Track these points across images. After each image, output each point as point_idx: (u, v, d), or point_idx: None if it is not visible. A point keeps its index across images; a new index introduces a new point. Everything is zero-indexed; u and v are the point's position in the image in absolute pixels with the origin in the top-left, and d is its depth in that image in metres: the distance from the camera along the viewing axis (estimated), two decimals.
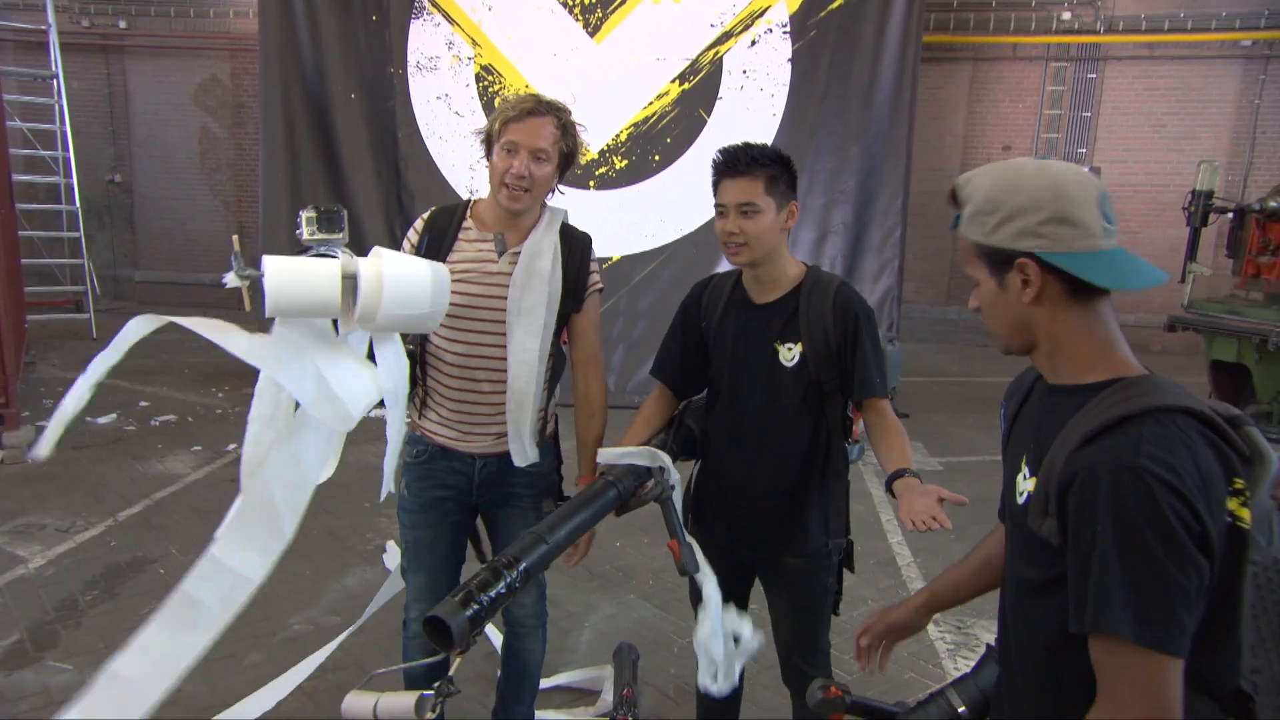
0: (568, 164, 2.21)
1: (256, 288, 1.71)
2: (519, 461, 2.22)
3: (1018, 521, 1.24)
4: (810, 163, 6.93)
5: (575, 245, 2.26)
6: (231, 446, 5.83)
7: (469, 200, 2.32)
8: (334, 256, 1.76)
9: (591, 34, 7.01)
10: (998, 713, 1.39)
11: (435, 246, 2.23)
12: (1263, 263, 6.80)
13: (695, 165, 7.04)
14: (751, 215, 2.00)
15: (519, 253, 2.19)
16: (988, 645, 1.48)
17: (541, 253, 2.18)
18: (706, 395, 2.26)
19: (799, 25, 6.90)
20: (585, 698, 3.07)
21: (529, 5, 6.97)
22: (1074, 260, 1.17)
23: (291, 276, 1.64)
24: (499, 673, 2.61)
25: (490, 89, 6.98)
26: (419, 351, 2.26)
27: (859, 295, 2.10)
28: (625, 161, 7.06)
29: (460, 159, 6.92)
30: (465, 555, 2.40)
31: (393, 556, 2.85)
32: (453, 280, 2.09)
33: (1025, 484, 1.23)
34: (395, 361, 1.82)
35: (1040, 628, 1.23)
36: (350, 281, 1.69)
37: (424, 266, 1.79)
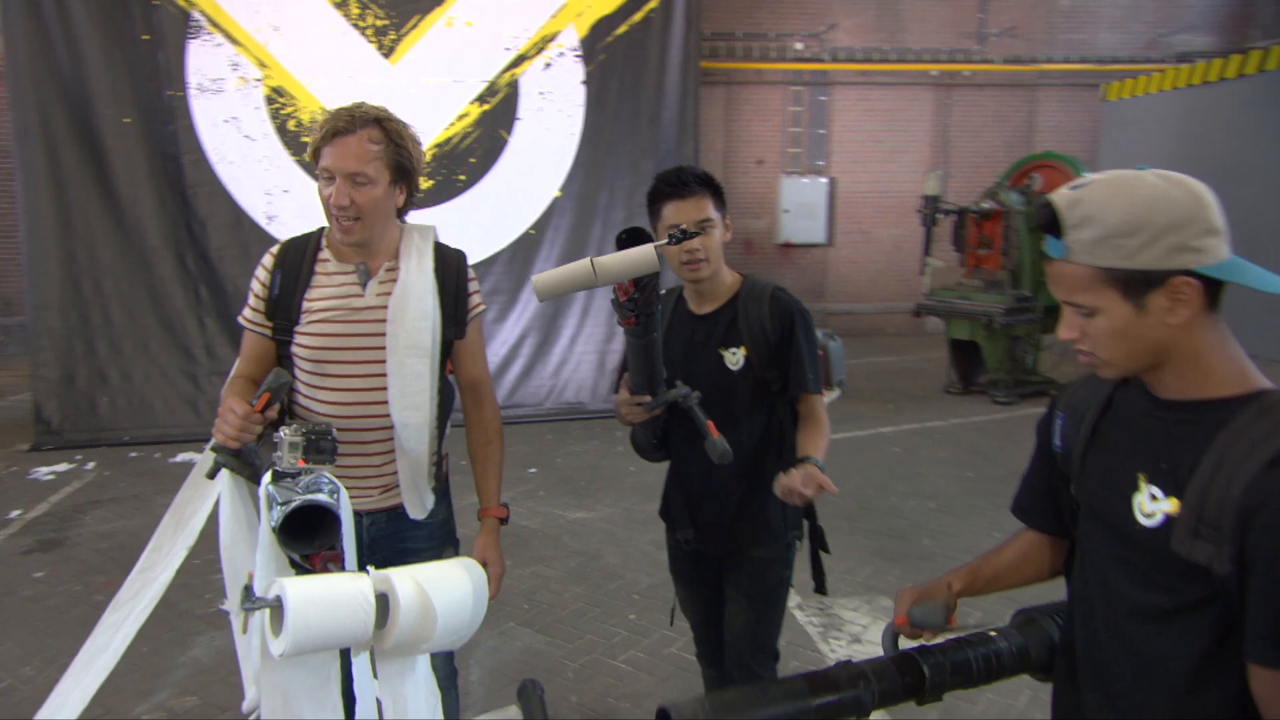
0: (405, 174, 1.95)
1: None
2: (417, 514, 2.03)
3: (1143, 544, 1.16)
4: (610, 178, 7.38)
5: (450, 266, 2.04)
6: (16, 513, 5.13)
7: (322, 228, 2.03)
8: (321, 488, 1.51)
9: (386, 55, 6.94)
10: None
11: (290, 285, 1.96)
12: (981, 254, 8.20)
13: (500, 184, 7.22)
14: (710, 231, 2.07)
15: (387, 281, 1.96)
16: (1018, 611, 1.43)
17: (418, 280, 1.96)
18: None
19: (589, 49, 7.30)
20: None
21: (318, 26, 6.76)
22: (1227, 270, 1.09)
23: (319, 607, 1.33)
24: None
25: (283, 111, 6.67)
26: (285, 406, 1.98)
27: (794, 298, 2.18)
28: (431, 182, 7.06)
29: (255, 184, 6.51)
30: None
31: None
32: (316, 321, 1.94)
33: (1158, 505, 1.14)
34: (429, 692, 1.58)
35: (1170, 656, 1.15)
36: (381, 600, 1.41)
37: (460, 573, 1.50)
